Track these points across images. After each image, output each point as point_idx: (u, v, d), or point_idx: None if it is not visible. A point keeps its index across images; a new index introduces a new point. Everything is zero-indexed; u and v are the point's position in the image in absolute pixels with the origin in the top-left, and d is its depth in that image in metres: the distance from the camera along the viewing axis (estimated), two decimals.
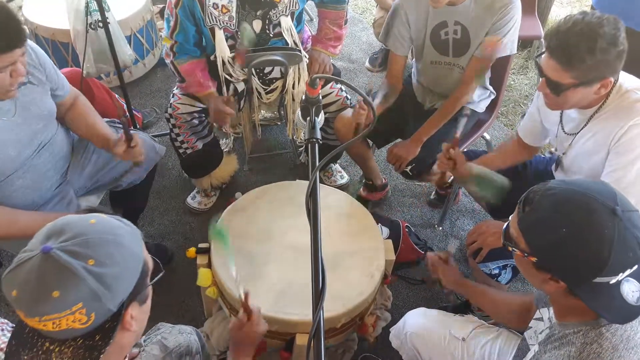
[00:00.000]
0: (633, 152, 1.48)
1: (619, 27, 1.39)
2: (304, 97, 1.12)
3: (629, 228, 0.99)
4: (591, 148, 1.61)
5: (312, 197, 0.85)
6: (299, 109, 1.14)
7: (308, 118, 1.10)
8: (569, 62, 1.42)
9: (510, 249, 1.13)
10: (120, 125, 2.06)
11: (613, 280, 1.01)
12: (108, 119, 2.04)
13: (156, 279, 1.05)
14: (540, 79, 1.54)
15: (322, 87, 2.44)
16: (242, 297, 1.41)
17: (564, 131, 1.70)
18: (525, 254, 1.08)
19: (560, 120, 1.71)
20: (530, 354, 1.24)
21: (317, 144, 1.02)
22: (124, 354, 1.05)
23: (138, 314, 1.00)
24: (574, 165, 1.72)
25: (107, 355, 0.95)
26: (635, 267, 1.01)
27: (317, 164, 0.93)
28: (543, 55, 1.49)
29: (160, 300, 2.27)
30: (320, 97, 1.10)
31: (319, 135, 1.05)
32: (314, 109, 1.08)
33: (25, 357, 0.94)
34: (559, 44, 1.42)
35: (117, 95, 2.76)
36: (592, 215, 1.00)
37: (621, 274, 1.01)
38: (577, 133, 1.65)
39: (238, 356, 1.40)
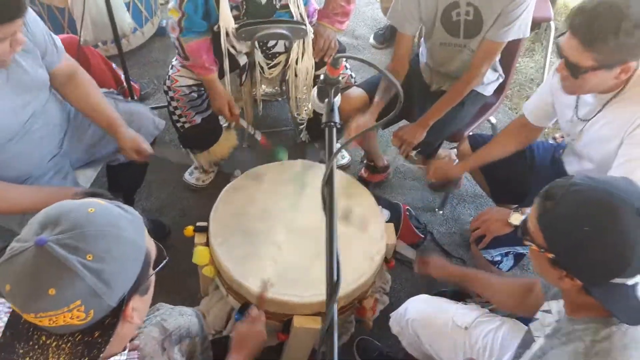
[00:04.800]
0: None
1: None
2: (322, 77, 1.05)
3: None
4: (604, 135, 1.56)
5: (329, 185, 0.79)
6: (316, 89, 1.08)
7: (326, 99, 1.02)
8: (591, 42, 1.36)
9: (526, 242, 1.09)
10: (120, 97, 1.99)
11: (631, 282, 0.99)
12: (106, 90, 1.98)
13: (159, 267, 1.00)
14: (560, 61, 1.48)
15: (325, 64, 2.37)
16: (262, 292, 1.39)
17: (577, 116, 1.66)
18: (542, 250, 1.05)
19: (576, 105, 1.66)
20: (535, 346, 1.22)
21: (335, 128, 0.95)
22: (124, 344, 1.02)
23: (140, 305, 0.96)
24: (585, 152, 1.68)
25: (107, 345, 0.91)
26: None
27: (334, 149, 0.87)
28: (564, 35, 1.43)
29: (156, 277, 2.24)
30: (340, 78, 1.04)
31: (337, 118, 0.99)
32: (332, 91, 1.01)
33: (21, 350, 0.89)
34: (582, 22, 1.36)
35: (114, 65, 2.68)
36: (617, 216, 0.96)
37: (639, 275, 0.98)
38: (591, 119, 1.60)
39: (241, 355, 1.37)
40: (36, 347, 0.89)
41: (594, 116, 1.59)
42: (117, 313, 0.90)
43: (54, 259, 0.83)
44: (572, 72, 1.46)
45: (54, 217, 0.88)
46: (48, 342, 0.89)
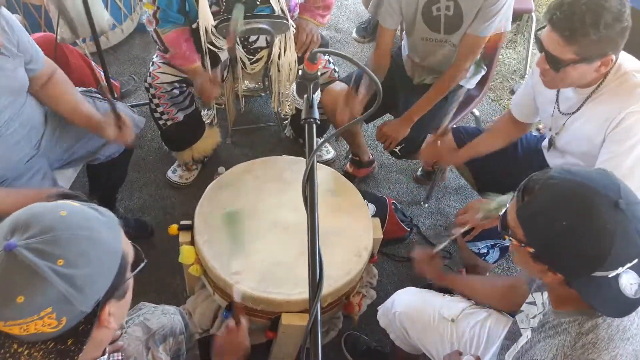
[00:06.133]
0: (630, 140, 1.45)
1: (624, 2, 1.34)
2: (300, 73, 1.03)
3: (631, 221, 0.96)
4: (586, 132, 1.57)
5: (309, 182, 0.78)
6: (295, 85, 1.06)
7: (305, 95, 1.01)
8: (572, 36, 1.36)
9: (507, 237, 1.09)
10: (98, 95, 1.96)
11: (612, 274, 0.98)
12: (85, 89, 1.94)
13: (137, 270, 0.97)
14: (540, 54, 1.49)
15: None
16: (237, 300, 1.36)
17: (559, 110, 1.66)
18: (523, 244, 1.05)
19: (557, 100, 1.67)
20: (522, 340, 1.22)
21: (314, 124, 0.93)
22: (102, 348, 0.99)
23: (116, 310, 0.92)
24: (567, 147, 1.69)
25: (83, 352, 0.88)
26: (636, 260, 0.98)
27: (315, 146, 0.86)
28: (544, 29, 1.44)
29: (140, 277, 2.20)
30: (319, 74, 1.02)
31: (317, 114, 0.97)
32: (311, 86, 1.00)
33: None
34: (562, 16, 1.36)
35: (93, 63, 2.64)
36: (594, 208, 0.96)
37: (621, 267, 0.98)
38: (573, 114, 1.61)
39: None
40: (7, 355, 0.86)
41: (576, 111, 1.60)
42: (91, 319, 0.87)
43: (23, 264, 0.80)
44: (553, 66, 1.46)
45: (24, 220, 0.85)
46: (20, 350, 0.86)
